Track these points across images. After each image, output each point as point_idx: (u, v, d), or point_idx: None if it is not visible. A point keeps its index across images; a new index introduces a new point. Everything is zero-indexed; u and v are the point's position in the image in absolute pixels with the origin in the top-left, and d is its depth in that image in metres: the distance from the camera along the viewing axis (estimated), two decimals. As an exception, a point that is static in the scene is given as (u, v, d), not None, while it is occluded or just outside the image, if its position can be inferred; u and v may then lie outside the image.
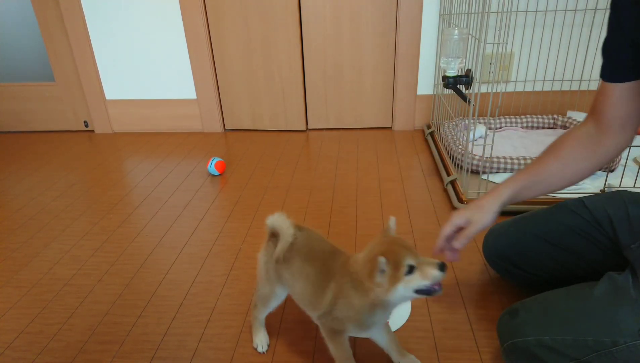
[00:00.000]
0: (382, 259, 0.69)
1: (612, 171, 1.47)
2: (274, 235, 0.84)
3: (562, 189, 0.88)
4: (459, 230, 0.88)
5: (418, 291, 0.72)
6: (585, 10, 1.86)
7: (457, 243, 0.87)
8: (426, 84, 2.11)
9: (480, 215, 0.86)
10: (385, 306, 0.76)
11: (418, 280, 0.71)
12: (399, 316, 1.00)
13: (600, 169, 0.91)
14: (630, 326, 0.69)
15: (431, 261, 0.72)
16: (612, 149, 0.83)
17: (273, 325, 0.99)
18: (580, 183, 1.39)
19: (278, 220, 0.82)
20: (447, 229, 0.89)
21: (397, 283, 0.70)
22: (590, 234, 0.89)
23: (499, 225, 1.05)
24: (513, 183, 0.87)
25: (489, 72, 1.96)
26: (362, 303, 0.75)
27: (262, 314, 0.94)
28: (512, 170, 1.49)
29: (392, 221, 0.78)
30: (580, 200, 0.94)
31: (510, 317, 0.81)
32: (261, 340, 0.94)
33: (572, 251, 0.91)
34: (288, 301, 1.06)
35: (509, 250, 1.00)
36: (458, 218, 0.88)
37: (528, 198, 0.89)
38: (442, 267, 0.71)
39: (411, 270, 0.71)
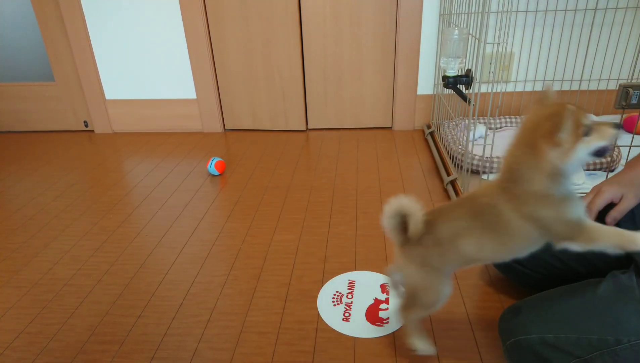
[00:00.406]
0: (570, 107, 0.63)
1: (612, 171, 1.47)
2: (403, 226, 0.76)
3: None
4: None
5: (595, 153, 0.67)
6: (585, 10, 1.85)
7: (610, 219, 0.82)
8: (426, 84, 2.11)
9: (634, 191, 0.82)
10: (563, 176, 0.69)
11: (597, 140, 0.66)
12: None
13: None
14: (634, 325, 0.69)
15: (604, 121, 0.68)
16: None
17: (273, 325, 0.99)
18: (581, 183, 1.39)
19: (404, 203, 0.74)
20: (601, 203, 0.83)
21: (577, 142, 0.65)
22: None
23: None
24: None
25: (489, 72, 1.96)
26: (546, 184, 0.68)
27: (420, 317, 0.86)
28: (512, 170, 1.49)
29: (551, 89, 0.71)
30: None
31: (513, 315, 0.81)
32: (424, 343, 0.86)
33: None
34: (288, 301, 1.06)
35: None
36: (610, 193, 0.83)
37: None
38: (617, 125, 0.67)
39: (588, 130, 0.66)
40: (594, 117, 0.68)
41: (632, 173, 0.85)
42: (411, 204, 0.74)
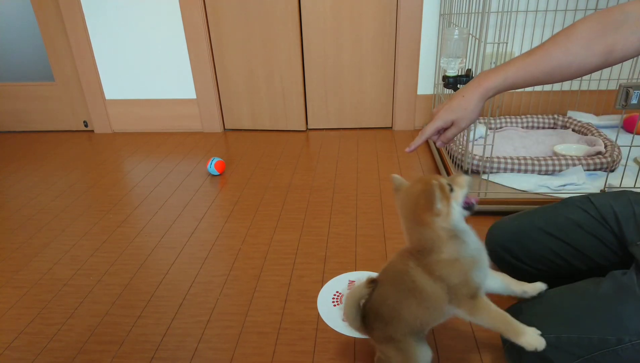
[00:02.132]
0: (435, 182, 0.69)
1: (612, 171, 1.47)
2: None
3: (562, 81, 0.84)
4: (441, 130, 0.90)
5: (464, 206, 0.73)
6: (585, 10, 1.85)
7: (440, 143, 0.90)
8: (426, 84, 2.11)
9: (465, 115, 0.86)
10: (461, 234, 0.73)
11: (459, 192, 0.72)
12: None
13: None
14: (635, 324, 0.69)
15: (455, 174, 0.75)
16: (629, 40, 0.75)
17: (273, 325, 0.99)
18: (581, 183, 1.39)
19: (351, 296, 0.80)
20: (430, 131, 0.88)
21: (450, 202, 0.71)
22: (596, 230, 0.89)
23: (504, 219, 1.05)
24: (503, 78, 0.83)
25: (489, 72, 1.95)
26: (447, 252, 0.72)
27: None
28: (512, 170, 1.49)
29: (394, 177, 0.78)
30: (586, 197, 0.94)
31: (514, 315, 0.81)
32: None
33: (576, 246, 0.91)
34: (287, 301, 1.06)
35: (513, 242, 1.00)
36: (442, 121, 0.87)
37: (520, 88, 0.86)
38: (465, 172, 0.72)
39: (450, 187, 0.72)
40: (446, 177, 0.74)
41: (464, 100, 0.86)
42: (351, 297, 0.79)
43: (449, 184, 0.72)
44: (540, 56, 0.82)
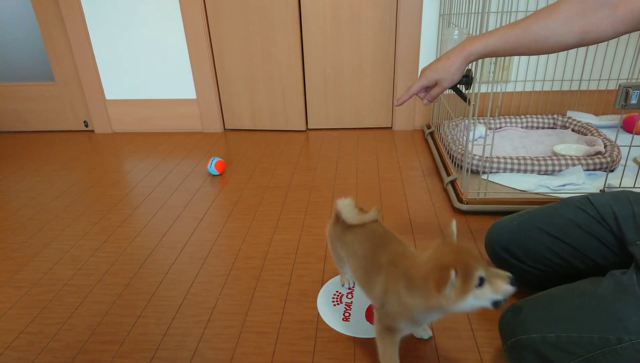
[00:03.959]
0: (453, 273, 0.65)
1: (612, 171, 1.47)
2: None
3: (538, 55, 0.90)
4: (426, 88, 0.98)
5: (487, 303, 0.69)
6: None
7: (426, 101, 0.99)
8: (426, 84, 2.11)
9: (447, 76, 0.94)
10: (445, 311, 0.73)
11: (489, 293, 0.68)
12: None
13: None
14: (635, 323, 0.69)
15: (502, 274, 0.69)
16: (603, 22, 0.79)
17: (273, 325, 0.99)
18: (581, 183, 1.39)
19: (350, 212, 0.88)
20: (416, 88, 0.97)
21: (466, 295, 0.67)
22: (595, 229, 0.89)
23: (504, 219, 1.05)
24: (485, 44, 0.89)
25: (489, 72, 1.96)
26: (416, 305, 0.73)
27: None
28: (512, 170, 1.49)
29: (453, 225, 0.74)
30: (585, 197, 0.95)
31: (514, 314, 0.81)
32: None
33: (575, 246, 0.91)
34: (287, 301, 1.06)
35: (512, 242, 1.00)
36: (426, 80, 0.95)
37: (499, 56, 0.93)
38: (513, 282, 0.68)
39: (482, 282, 0.68)
40: (492, 270, 0.70)
41: (448, 61, 0.93)
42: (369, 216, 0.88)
43: (481, 279, 0.67)
44: (521, 29, 0.87)
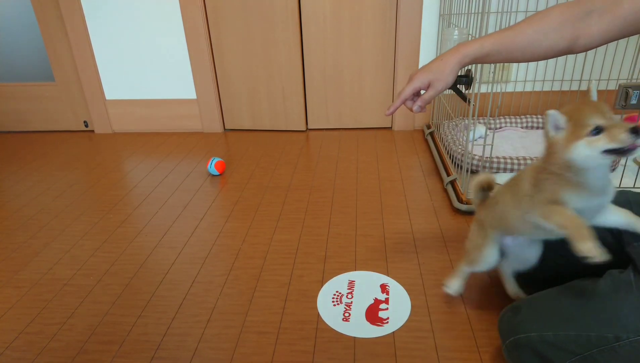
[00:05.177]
0: (551, 112, 0.70)
1: (613, 170, 1.47)
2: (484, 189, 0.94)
3: (531, 60, 0.90)
4: (418, 92, 0.93)
5: (607, 151, 0.69)
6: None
7: (416, 107, 0.92)
8: (426, 84, 2.11)
9: (442, 77, 0.88)
10: (578, 170, 0.72)
11: (604, 141, 0.68)
12: (399, 316, 1.00)
13: (567, 53, 0.88)
14: (633, 322, 0.69)
15: (623, 125, 0.68)
16: (593, 31, 0.81)
17: (273, 325, 0.99)
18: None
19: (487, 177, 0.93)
20: (408, 92, 0.91)
21: (577, 141, 0.69)
22: (594, 230, 0.89)
23: None
24: (480, 47, 0.87)
25: (489, 72, 1.96)
26: (547, 172, 0.75)
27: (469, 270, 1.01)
28: (512, 170, 1.49)
29: (593, 86, 0.76)
30: None
31: (513, 314, 0.81)
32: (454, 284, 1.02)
33: None
34: (288, 301, 1.06)
35: None
36: (419, 81, 0.90)
37: (493, 63, 0.92)
38: (635, 130, 0.67)
39: (598, 131, 0.68)
40: (614, 121, 0.69)
41: (442, 62, 0.89)
42: (476, 181, 0.94)
43: (599, 127, 0.68)
44: (515, 32, 0.87)
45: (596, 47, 0.83)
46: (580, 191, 0.74)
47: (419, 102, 0.92)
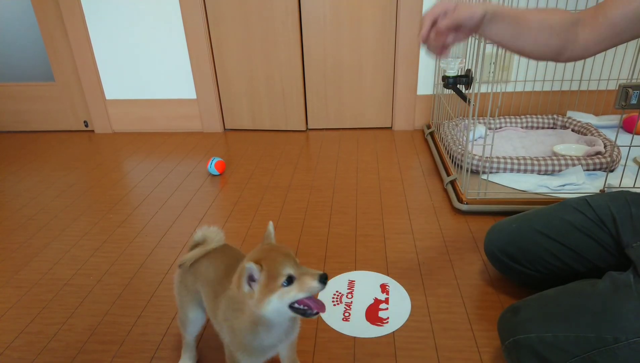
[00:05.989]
0: (249, 265, 0.62)
1: (612, 171, 1.47)
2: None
3: (526, 52, 0.86)
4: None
5: (292, 307, 0.65)
6: (585, 10, 1.85)
7: (441, 25, 0.80)
8: (426, 84, 2.11)
9: (468, 6, 0.81)
10: (266, 325, 0.68)
11: (294, 292, 0.64)
12: (399, 316, 1.00)
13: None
14: (632, 323, 0.69)
15: (312, 272, 0.65)
16: (580, 41, 0.80)
17: (273, 325, 0.99)
18: (581, 183, 1.39)
19: (210, 231, 0.82)
20: (437, 10, 0.80)
21: (271, 294, 0.63)
22: (593, 232, 0.89)
23: (502, 221, 1.05)
24: (498, 7, 0.83)
25: (489, 72, 1.96)
26: (240, 323, 0.68)
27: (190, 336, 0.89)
28: (512, 170, 1.49)
29: (270, 226, 0.71)
30: (583, 199, 0.95)
31: (512, 315, 0.82)
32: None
33: (574, 248, 0.91)
34: (288, 301, 1.06)
35: (511, 245, 1.00)
36: (445, 3, 0.81)
37: (496, 37, 0.84)
38: (322, 279, 0.64)
39: (290, 280, 0.64)
40: (304, 269, 0.66)
41: (468, 2, 0.85)
42: (217, 236, 0.83)
43: (290, 277, 0.64)
44: (527, 11, 0.84)
45: (588, 57, 0.84)
46: (250, 350, 0.70)
47: (444, 22, 0.80)
